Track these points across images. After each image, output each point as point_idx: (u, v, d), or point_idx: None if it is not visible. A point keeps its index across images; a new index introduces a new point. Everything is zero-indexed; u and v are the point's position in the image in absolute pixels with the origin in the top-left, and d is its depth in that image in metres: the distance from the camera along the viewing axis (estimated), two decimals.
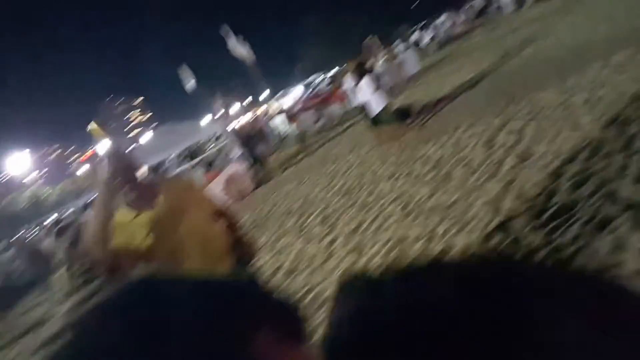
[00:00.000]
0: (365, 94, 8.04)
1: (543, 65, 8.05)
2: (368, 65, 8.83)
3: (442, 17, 32.77)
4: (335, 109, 16.68)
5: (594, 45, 7.50)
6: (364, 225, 4.89)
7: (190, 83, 22.63)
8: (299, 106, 18.41)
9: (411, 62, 18.89)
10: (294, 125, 13.90)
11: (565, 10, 14.01)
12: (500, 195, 3.89)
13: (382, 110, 7.87)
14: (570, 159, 3.87)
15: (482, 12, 30.77)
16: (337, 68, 32.37)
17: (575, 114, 4.91)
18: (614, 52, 6.38)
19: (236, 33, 20.73)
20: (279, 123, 15.53)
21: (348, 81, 9.57)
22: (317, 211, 6.38)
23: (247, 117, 23.23)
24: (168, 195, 2.09)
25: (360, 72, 8.15)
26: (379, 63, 16.67)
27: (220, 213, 2.27)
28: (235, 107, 45.65)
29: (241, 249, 2.28)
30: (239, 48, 20.83)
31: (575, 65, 6.76)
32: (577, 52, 7.70)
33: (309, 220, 6.18)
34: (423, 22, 36.34)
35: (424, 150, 6.49)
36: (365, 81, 7.94)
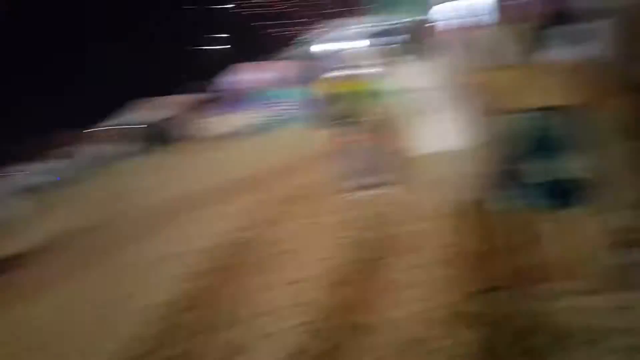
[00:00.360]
0: None
1: (146, 217, 8.25)
2: None
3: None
4: None
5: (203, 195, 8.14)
6: None
7: None
8: None
9: None
10: None
11: (185, 163, 14.95)
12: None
13: None
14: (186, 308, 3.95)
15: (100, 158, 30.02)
16: None
17: (176, 265, 5.10)
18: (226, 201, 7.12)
19: None
20: None
21: None
22: None
23: None
24: None
25: None
26: None
27: None
28: None
29: None
30: None
31: (185, 215, 7.20)
32: (182, 203, 8.20)
33: None
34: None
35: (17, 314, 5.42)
36: None
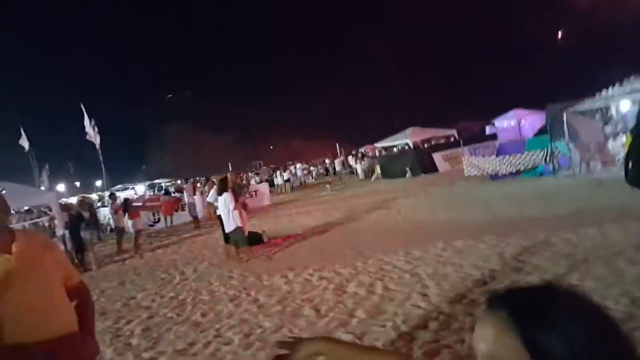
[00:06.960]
0: (223, 209, 7.86)
1: (390, 233, 8.51)
2: (231, 183, 8.75)
3: (298, 165, 35.10)
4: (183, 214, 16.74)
5: (435, 227, 8.21)
6: (196, 347, 4.34)
7: (26, 146, 22.76)
8: (140, 203, 17.31)
9: (264, 194, 19.51)
10: (132, 220, 12.68)
11: (408, 193, 15.21)
12: None
13: (235, 229, 7.68)
14: (421, 327, 3.92)
15: (334, 171, 33.55)
16: (185, 179, 32.06)
17: (422, 283, 5.13)
18: (454, 238, 6.95)
19: (90, 115, 20.28)
20: (111, 214, 14.17)
21: (209, 193, 9.40)
22: (138, 319, 5.58)
23: (75, 198, 20.97)
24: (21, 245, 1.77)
25: (222, 187, 8.04)
26: (244, 185, 16.77)
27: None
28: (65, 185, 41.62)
29: None
30: (89, 129, 20.27)
31: (419, 241, 7.20)
32: (421, 229, 8.33)
33: (127, 328, 5.35)
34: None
35: (270, 281, 6.27)
36: (225, 197, 7.82)
